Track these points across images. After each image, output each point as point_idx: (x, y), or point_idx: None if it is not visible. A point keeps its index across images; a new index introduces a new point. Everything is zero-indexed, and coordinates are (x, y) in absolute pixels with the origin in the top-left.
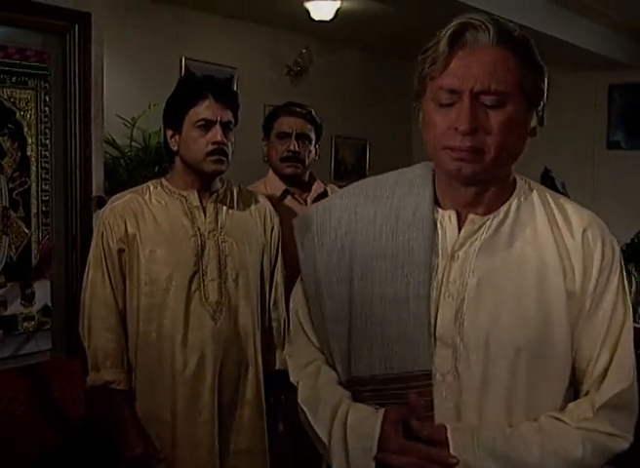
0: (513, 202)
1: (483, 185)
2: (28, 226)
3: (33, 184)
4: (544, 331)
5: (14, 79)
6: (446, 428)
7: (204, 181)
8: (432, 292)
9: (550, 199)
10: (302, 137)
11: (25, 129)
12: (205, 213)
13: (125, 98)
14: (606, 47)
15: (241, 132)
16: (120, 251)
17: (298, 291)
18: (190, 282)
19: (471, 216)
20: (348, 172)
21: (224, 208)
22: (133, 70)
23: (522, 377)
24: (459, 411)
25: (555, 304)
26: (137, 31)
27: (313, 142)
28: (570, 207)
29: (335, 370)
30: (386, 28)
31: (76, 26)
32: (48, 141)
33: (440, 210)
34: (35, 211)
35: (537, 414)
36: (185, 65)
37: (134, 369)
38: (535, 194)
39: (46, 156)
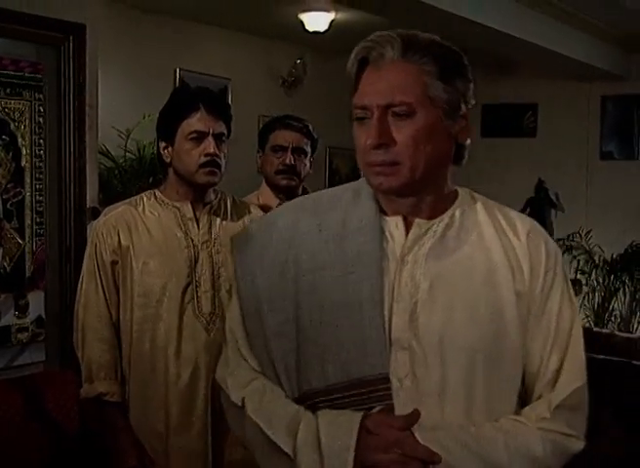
0: (457, 210)
1: (417, 195)
2: (22, 237)
3: (27, 195)
4: (497, 332)
5: (8, 90)
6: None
7: (197, 193)
8: (385, 296)
9: (494, 207)
10: (298, 151)
11: (20, 140)
12: (198, 224)
13: (119, 109)
14: (598, 58)
15: (235, 143)
16: (113, 262)
17: (234, 309)
18: (184, 293)
19: (417, 220)
20: (343, 182)
21: (218, 219)
22: (127, 81)
23: (479, 379)
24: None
25: (506, 305)
26: (131, 42)
27: (308, 156)
28: (512, 213)
29: (281, 388)
30: None
31: (71, 38)
32: (42, 152)
33: (387, 217)
34: (29, 221)
35: (495, 416)
36: (180, 76)
37: (127, 380)
38: (478, 204)
39: (40, 167)
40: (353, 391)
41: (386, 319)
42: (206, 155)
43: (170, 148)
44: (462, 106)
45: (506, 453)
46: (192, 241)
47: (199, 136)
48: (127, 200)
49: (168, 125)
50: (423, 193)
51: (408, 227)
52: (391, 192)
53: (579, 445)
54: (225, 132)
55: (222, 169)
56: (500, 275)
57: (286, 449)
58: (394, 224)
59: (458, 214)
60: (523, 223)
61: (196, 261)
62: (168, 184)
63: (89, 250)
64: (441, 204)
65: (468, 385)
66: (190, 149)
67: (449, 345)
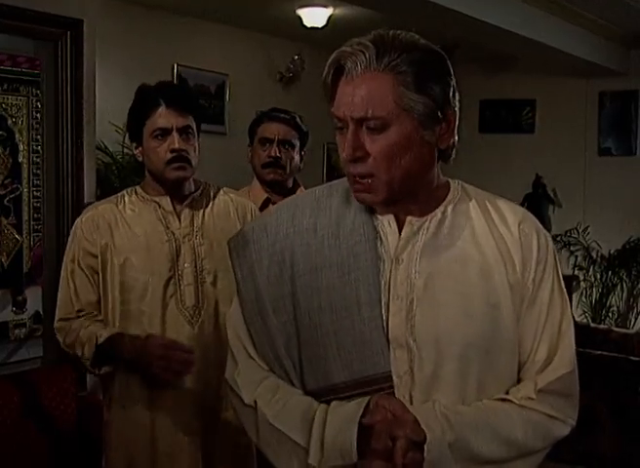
0: (449, 205)
1: (404, 199)
2: (20, 233)
3: (25, 191)
4: (493, 326)
5: (5, 86)
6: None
7: (172, 188)
8: (381, 295)
9: (486, 200)
10: (285, 144)
11: (17, 135)
12: (179, 217)
13: (117, 105)
14: (596, 54)
15: (233, 138)
16: (92, 259)
17: (236, 310)
18: (166, 287)
19: (409, 218)
20: (341, 178)
21: (201, 210)
22: (125, 77)
23: (473, 373)
24: None
25: (501, 299)
26: (129, 38)
27: (297, 149)
28: (503, 204)
29: (292, 385)
30: None
31: (68, 33)
32: (40, 148)
33: (379, 216)
34: (27, 217)
35: None
36: (178, 72)
37: (114, 374)
38: (470, 196)
39: (37, 163)
40: (358, 390)
41: (384, 318)
42: (172, 151)
43: (141, 148)
44: (440, 113)
45: (481, 434)
46: (174, 234)
47: (163, 133)
48: (109, 198)
49: (134, 126)
50: (411, 196)
51: (400, 225)
52: (371, 205)
53: (563, 429)
54: (193, 124)
55: (194, 162)
56: (493, 270)
57: (301, 442)
58: (387, 223)
59: (450, 209)
60: (515, 214)
61: (178, 255)
62: (146, 181)
63: (67, 247)
64: (432, 200)
65: (461, 379)
66: (156, 147)
67: (444, 342)
